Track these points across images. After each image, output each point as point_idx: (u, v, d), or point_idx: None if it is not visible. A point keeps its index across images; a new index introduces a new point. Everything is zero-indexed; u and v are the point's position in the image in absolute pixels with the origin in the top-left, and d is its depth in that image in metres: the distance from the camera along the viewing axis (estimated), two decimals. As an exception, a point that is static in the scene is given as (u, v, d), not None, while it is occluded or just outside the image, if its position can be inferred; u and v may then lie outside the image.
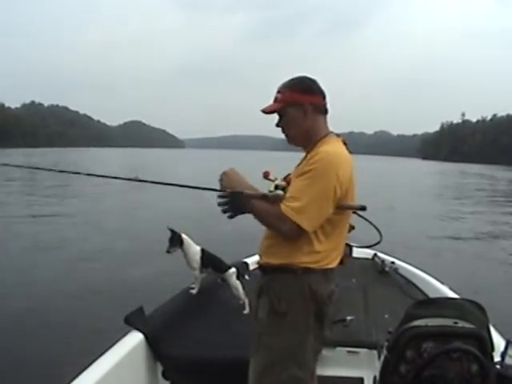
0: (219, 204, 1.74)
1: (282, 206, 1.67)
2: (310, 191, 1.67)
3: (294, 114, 1.83)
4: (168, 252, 3.06)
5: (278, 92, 1.86)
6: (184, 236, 3.10)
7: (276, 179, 1.93)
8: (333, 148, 1.76)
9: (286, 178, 1.90)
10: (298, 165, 1.85)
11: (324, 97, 1.87)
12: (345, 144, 1.85)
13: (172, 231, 3.08)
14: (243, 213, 1.74)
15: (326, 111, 1.89)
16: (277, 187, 1.83)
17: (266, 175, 1.99)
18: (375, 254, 4.27)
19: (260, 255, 1.89)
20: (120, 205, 15.12)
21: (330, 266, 1.79)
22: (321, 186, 1.67)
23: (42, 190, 19.10)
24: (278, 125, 1.90)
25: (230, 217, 1.75)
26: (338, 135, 1.88)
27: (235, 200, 1.72)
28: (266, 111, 1.87)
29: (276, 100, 1.86)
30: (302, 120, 1.83)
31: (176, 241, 3.06)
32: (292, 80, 1.87)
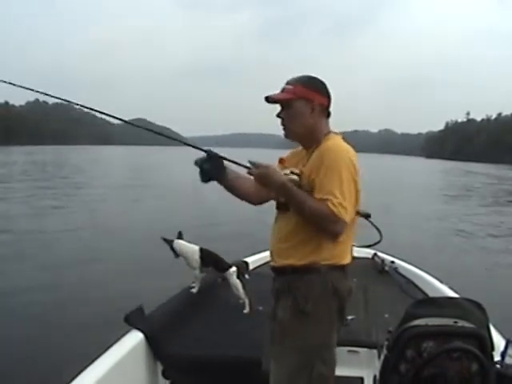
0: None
1: (331, 207, 1.66)
2: (343, 185, 1.69)
3: (302, 109, 1.83)
4: (177, 257, 3.15)
5: (289, 84, 1.86)
6: (175, 241, 3.12)
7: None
8: (339, 143, 1.81)
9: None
10: (307, 159, 1.85)
11: (330, 100, 1.89)
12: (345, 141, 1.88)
13: (165, 240, 3.12)
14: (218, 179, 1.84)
15: (329, 114, 1.91)
16: (292, 173, 1.84)
17: (281, 161, 1.98)
18: (375, 254, 4.27)
19: (274, 258, 1.89)
20: (120, 205, 15.18)
21: (346, 262, 1.82)
22: (346, 176, 1.70)
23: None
24: (278, 115, 1.89)
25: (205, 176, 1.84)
26: (337, 133, 1.90)
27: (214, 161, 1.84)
28: (273, 98, 1.86)
29: (285, 90, 1.86)
30: (307, 116, 1.84)
31: (171, 247, 3.11)
32: (305, 76, 1.88)
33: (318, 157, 1.77)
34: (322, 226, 1.72)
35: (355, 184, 1.74)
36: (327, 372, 1.76)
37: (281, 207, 1.87)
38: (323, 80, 1.89)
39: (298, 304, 1.75)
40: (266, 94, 1.86)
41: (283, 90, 1.87)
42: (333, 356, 1.81)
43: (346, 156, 1.74)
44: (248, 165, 1.79)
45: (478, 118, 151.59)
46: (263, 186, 1.80)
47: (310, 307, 1.73)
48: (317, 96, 1.84)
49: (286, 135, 1.91)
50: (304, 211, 1.74)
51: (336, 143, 1.80)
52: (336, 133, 1.90)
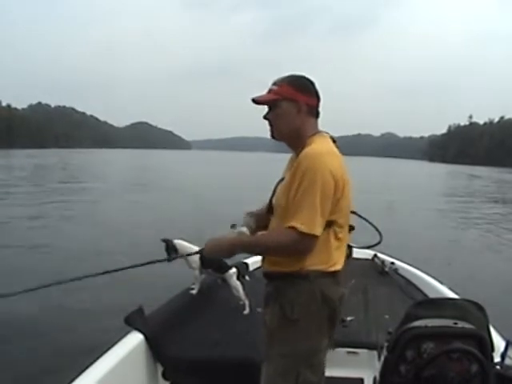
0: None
1: (294, 224, 1.62)
2: (311, 197, 1.63)
3: (288, 109, 1.79)
4: (169, 261, 3.05)
5: (275, 84, 1.82)
6: (176, 242, 3.08)
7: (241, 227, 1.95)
8: (320, 146, 1.74)
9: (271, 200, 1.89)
10: (289, 167, 1.82)
11: (319, 100, 1.85)
12: (334, 142, 1.84)
13: (165, 241, 3.08)
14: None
15: (317, 114, 1.86)
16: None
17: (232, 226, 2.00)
18: (375, 255, 4.27)
19: (264, 263, 1.87)
20: (122, 206, 15.19)
21: (338, 268, 1.77)
22: (318, 187, 1.64)
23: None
24: (265, 117, 1.85)
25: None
26: (327, 133, 1.85)
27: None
28: (258, 101, 1.83)
29: (271, 91, 1.82)
30: (294, 116, 1.79)
31: (171, 249, 3.04)
32: (292, 76, 1.83)
33: (297, 164, 1.71)
34: (290, 253, 1.70)
35: (334, 191, 1.67)
36: (314, 378, 1.73)
37: (270, 210, 1.86)
38: (311, 78, 1.84)
39: (285, 311, 1.72)
40: (252, 96, 1.81)
41: (269, 91, 1.83)
42: (321, 361, 1.77)
43: (322, 163, 1.66)
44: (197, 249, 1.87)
45: (481, 122, 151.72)
46: (222, 257, 1.87)
47: (296, 314, 1.70)
48: (303, 96, 1.79)
49: (273, 136, 1.87)
50: (268, 252, 1.77)
51: (316, 148, 1.72)
52: (323, 134, 1.84)
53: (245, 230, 1.87)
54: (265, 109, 1.86)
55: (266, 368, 1.78)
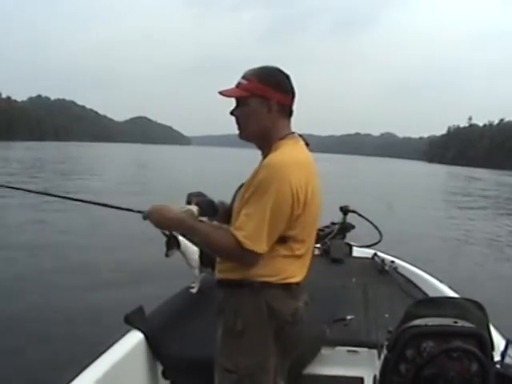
0: None
1: (236, 234, 1.50)
2: (261, 210, 1.50)
3: (257, 107, 1.62)
4: (167, 256, 3.01)
5: (244, 78, 1.64)
6: (180, 237, 3.07)
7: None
8: (286, 155, 1.57)
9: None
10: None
11: (293, 96, 1.67)
12: (307, 145, 1.69)
13: (166, 235, 3.02)
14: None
15: (291, 113, 1.69)
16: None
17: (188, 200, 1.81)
18: (375, 254, 4.27)
19: (216, 270, 1.74)
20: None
21: (294, 281, 1.62)
22: (270, 201, 1.49)
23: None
24: (232, 113, 1.68)
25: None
26: (300, 135, 1.70)
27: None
28: (225, 95, 1.65)
29: (239, 85, 1.64)
30: (263, 116, 1.62)
31: (173, 244, 3.02)
32: (264, 69, 1.66)
33: (255, 171, 1.57)
34: (230, 258, 1.60)
35: (292, 208, 1.52)
36: None
37: (229, 217, 1.72)
38: (286, 72, 1.66)
39: (228, 323, 1.60)
40: (221, 90, 1.65)
41: (238, 85, 1.64)
42: (269, 381, 1.61)
43: (281, 176, 1.50)
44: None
45: (481, 124, 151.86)
46: (160, 227, 1.70)
47: (240, 327, 1.57)
48: (275, 93, 1.61)
49: (241, 136, 1.70)
50: (208, 245, 1.61)
51: (279, 157, 1.55)
52: (295, 136, 1.68)
53: (195, 210, 1.70)
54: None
55: (215, 381, 1.67)
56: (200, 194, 1.82)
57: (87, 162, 40.32)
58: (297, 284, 1.64)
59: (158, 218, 1.64)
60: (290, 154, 1.59)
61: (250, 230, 1.49)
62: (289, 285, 1.61)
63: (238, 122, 1.69)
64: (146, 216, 1.66)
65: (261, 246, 1.50)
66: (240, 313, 1.59)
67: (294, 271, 1.62)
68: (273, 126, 1.64)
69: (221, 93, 1.65)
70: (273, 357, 1.62)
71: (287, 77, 1.67)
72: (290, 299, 1.62)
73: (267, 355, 1.60)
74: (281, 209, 1.51)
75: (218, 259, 1.72)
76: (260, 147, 1.71)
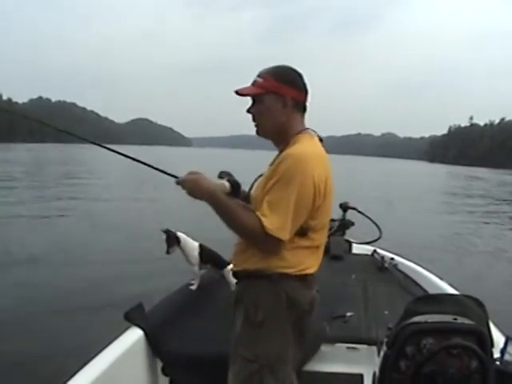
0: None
1: (262, 220, 1.55)
2: (285, 199, 1.55)
3: (273, 104, 1.68)
4: (168, 253, 3.03)
5: (259, 76, 1.71)
6: (180, 234, 3.07)
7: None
8: (306, 147, 1.64)
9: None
10: (271, 164, 1.71)
11: (306, 93, 1.74)
12: (321, 141, 1.75)
13: (166, 232, 3.05)
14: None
15: (304, 109, 1.75)
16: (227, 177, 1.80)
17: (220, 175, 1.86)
18: (375, 251, 4.27)
19: (233, 262, 1.80)
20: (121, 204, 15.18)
21: (309, 272, 1.68)
22: (294, 191, 1.55)
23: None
24: (249, 110, 1.74)
25: None
26: (314, 131, 1.76)
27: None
28: (241, 93, 1.71)
29: (255, 84, 1.70)
30: (279, 112, 1.68)
31: (173, 241, 3.03)
32: (278, 68, 1.72)
33: (277, 162, 1.62)
34: (252, 241, 1.63)
35: (313, 199, 1.59)
36: None
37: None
38: (299, 71, 1.73)
39: (248, 313, 1.64)
40: (236, 88, 1.70)
41: (254, 83, 1.71)
42: (287, 374, 1.66)
43: (305, 168, 1.57)
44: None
45: (481, 123, 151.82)
46: (192, 196, 1.67)
47: (260, 317, 1.62)
48: (290, 90, 1.68)
49: (258, 132, 1.76)
50: (233, 222, 1.61)
51: (301, 149, 1.62)
52: (310, 132, 1.74)
53: (227, 185, 1.75)
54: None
55: (230, 370, 1.72)
56: (230, 174, 1.87)
57: (89, 164, 40.34)
58: (311, 275, 1.71)
59: (191, 186, 1.66)
60: (310, 147, 1.66)
61: (275, 218, 1.55)
62: (305, 276, 1.67)
63: (254, 120, 1.75)
64: (180, 182, 1.69)
65: (284, 234, 1.56)
66: (260, 303, 1.63)
67: (311, 262, 1.69)
68: (288, 121, 1.70)
69: (237, 91, 1.70)
70: (291, 347, 1.67)
71: (300, 75, 1.73)
72: (306, 289, 1.69)
73: (286, 345, 1.66)
74: (304, 200, 1.57)
75: (234, 252, 1.77)
76: (277, 143, 1.77)
